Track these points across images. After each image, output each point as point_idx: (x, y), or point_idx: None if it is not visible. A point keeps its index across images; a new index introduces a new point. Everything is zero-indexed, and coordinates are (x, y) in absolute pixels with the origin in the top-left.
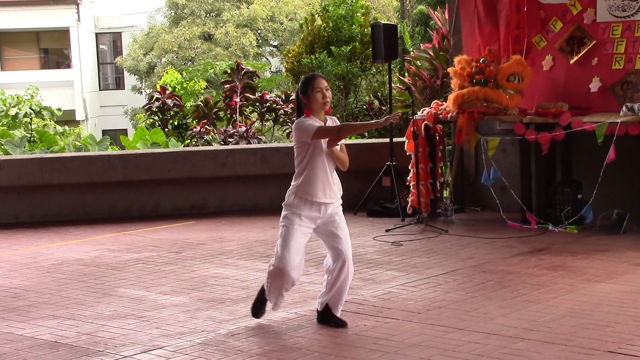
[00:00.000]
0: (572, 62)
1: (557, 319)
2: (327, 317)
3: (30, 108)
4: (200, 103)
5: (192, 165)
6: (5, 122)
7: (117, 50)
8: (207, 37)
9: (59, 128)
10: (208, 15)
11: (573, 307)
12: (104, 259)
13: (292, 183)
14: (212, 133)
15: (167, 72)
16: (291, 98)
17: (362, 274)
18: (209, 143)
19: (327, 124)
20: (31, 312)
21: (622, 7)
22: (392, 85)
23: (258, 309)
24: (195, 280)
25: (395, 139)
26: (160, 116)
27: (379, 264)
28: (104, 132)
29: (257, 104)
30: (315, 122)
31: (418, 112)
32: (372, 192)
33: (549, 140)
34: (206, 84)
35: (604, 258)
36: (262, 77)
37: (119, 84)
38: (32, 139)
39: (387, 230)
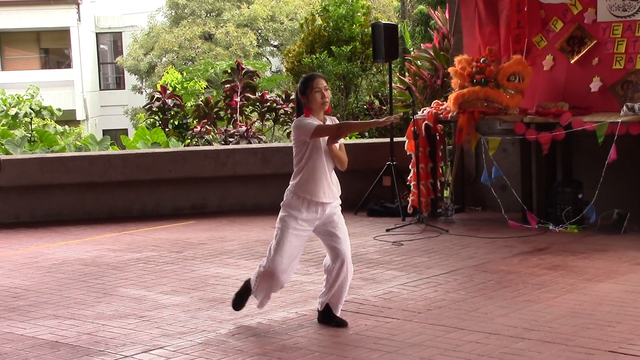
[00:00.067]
0: (572, 61)
1: (557, 318)
2: (327, 317)
3: (31, 108)
4: (200, 103)
5: (192, 165)
6: (5, 122)
7: (117, 50)
8: (208, 37)
9: (60, 128)
10: (208, 15)
11: (574, 307)
12: (104, 258)
13: (291, 182)
14: (212, 133)
15: (167, 72)
16: (291, 98)
17: (363, 274)
18: (209, 143)
19: (326, 124)
20: (32, 312)
21: (622, 7)
22: (393, 85)
23: (239, 302)
24: (195, 280)
25: (395, 139)
26: (161, 116)
27: (380, 264)
28: (105, 132)
29: (258, 103)
30: (314, 121)
31: (418, 112)
32: (372, 192)
33: (550, 140)
34: (206, 83)
35: (605, 258)
36: (263, 76)
37: (120, 84)
38: (32, 138)
39: (387, 230)
